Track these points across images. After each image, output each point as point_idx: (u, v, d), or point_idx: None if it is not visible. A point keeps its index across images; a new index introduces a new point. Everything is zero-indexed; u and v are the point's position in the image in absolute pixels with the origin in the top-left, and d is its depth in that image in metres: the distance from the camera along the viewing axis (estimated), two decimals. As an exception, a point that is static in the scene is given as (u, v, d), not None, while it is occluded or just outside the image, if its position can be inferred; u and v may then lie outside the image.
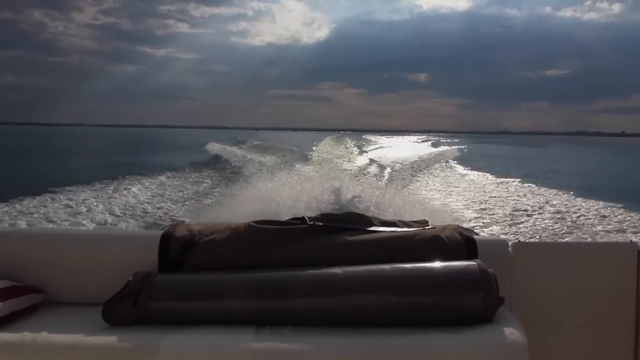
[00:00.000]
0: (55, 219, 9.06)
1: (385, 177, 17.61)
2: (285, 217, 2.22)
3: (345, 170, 19.51)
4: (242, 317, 1.80)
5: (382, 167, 20.60)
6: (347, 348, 1.65)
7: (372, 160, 23.99)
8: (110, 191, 12.48)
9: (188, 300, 1.86)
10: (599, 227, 9.08)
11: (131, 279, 1.90)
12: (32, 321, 1.88)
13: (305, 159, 24.03)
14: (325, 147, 34.05)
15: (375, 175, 18.43)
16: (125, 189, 12.82)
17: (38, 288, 2.06)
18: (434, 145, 49.48)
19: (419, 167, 21.94)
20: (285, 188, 10.69)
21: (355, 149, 35.46)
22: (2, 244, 2.17)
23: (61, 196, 11.35)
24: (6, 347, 1.70)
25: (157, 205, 11.08)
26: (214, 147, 29.24)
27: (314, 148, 32.20)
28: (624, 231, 8.78)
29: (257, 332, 1.72)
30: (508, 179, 18.44)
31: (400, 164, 22.09)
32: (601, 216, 10.06)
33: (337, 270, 1.84)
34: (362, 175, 17.90)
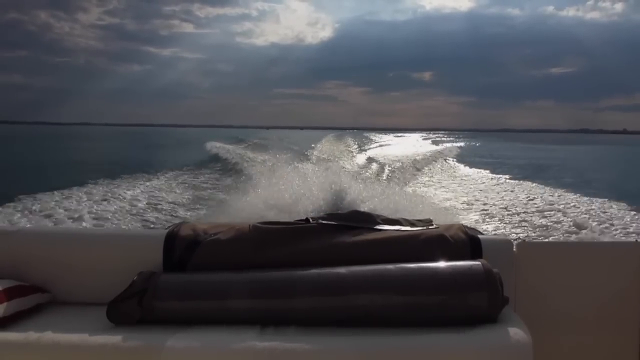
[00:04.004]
0: (59, 218, 9.06)
1: (385, 176, 17.58)
2: (287, 218, 2.22)
3: (346, 168, 19.49)
4: (246, 316, 1.80)
5: (382, 166, 20.56)
6: (351, 348, 1.65)
7: (372, 159, 23.94)
8: (112, 191, 12.46)
9: (192, 300, 1.86)
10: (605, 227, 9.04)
11: (136, 278, 1.91)
12: (37, 321, 1.89)
13: (305, 157, 23.99)
14: (325, 146, 33.94)
15: (376, 173, 18.41)
16: (127, 189, 12.80)
17: (43, 288, 2.07)
18: (436, 143, 49.41)
19: (420, 165, 21.91)
20: (285, 187, 10.67)
21: (356, 147, 35.39)
22: (7, 243, 2.17)
23: (66, 196, 11.35)
24: (11, 347, 1.70)
25: (158, 205, 11.07)
26: (214, 146, 29.16)
27: (313, 147, 32.11)
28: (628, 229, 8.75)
29: (261, 331, 1.73)
30: (506, 177, 18.44)
31: (401, 162, 22.05)
32: (606, 215, 10.02)
33: (342, 270, 1.85)
34: (363, 174, 17.87)
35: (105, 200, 10.93)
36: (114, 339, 1.70)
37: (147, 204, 10.96)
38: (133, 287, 1.87)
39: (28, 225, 7.92)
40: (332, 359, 1.65)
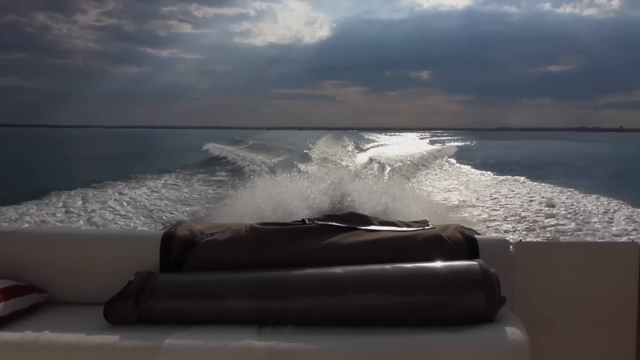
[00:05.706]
0: (57, 219, 9.07)
1: (385, 176, 17.59)
2: (284, 219, 2.23)
3: (344, 169, 19.49)
4: (243, 316, 1.80)
5: (380, 165, 20.59)
6: (348, 348, 1.65)
7: (370, 159, 23.96)
8: (111, 192, 12.46)
9: (189, 300, 1.86)
10: (601, 225, 9.06)
11: (133, 278, 1.91)
12: (34, 321, 1.89)
13: (303, 158, 24.00)
14: (322, 146, 33.92)
15: (374, 173, 18.41)
16: (125, 191, 12.80)
17: (40, 288, 2.06)
18: (434, 142, 49.49)
19: (418, 164, 21.93)
20: (283, 188, 10.68)
21: (353, 147, 35.37)
22: (4, 243, 2.17)
23: (64, 197, 11.35)
24: (8, 347, 1.70)
25: (156, 207, 11.06)
26: (213, 148, 29.18)
27: (310, 147, 32.10)
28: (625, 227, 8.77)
29: (258, 332, 1.72)
30: (507, 176, 18.46)
31: (399, 161, 22.07)
32: (603, 213, 10.04)
33: (339, 270, 1.85)
34: (361, 174, 17.87)
35: (102, 202, 10.93)
36: (111, 339, 1.69)
37: (145, 205, 10.96)
38: (130, 287, 1.87)
39: (25, 226, 7.93)
40: (329, 358, 1.65)
